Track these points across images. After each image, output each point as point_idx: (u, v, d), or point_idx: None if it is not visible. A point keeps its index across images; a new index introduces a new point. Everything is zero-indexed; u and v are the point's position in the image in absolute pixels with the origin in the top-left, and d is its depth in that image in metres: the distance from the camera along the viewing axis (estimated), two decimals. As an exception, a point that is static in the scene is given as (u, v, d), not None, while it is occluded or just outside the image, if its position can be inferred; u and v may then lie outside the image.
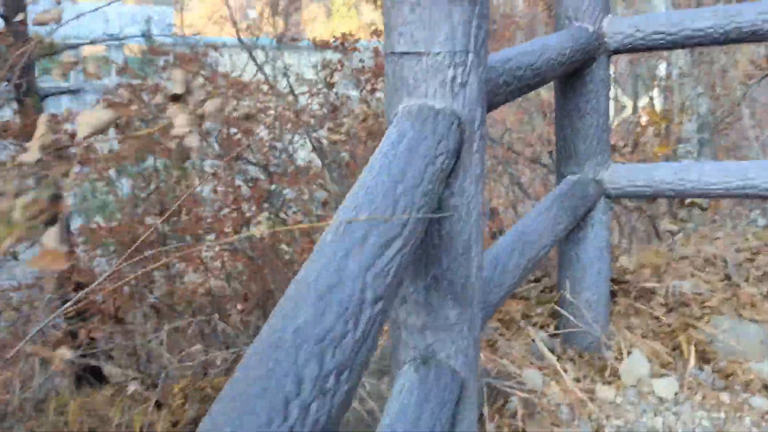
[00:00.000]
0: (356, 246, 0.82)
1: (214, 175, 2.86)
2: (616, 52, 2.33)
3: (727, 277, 2.92)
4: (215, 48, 4.72)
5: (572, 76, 2.29)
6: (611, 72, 6.89)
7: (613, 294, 2.85)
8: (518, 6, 8.14)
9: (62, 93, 5.61)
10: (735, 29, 2.12)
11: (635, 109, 4.70)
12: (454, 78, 1.18)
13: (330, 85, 3.76)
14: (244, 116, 2.60)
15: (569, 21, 2.31)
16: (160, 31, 7.60)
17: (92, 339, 5.08)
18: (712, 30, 2.15)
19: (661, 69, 5.45)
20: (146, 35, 6.94)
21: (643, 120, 3.19)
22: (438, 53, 1.17)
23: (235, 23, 4.83)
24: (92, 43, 5.23)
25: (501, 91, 1.51)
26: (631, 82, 5.06)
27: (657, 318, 2.68)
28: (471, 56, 1.19)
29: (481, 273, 1.30)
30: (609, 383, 2.35)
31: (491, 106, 1.50)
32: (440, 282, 1.24)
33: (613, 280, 2.90)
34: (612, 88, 5.79)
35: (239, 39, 4.80)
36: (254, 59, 4.77)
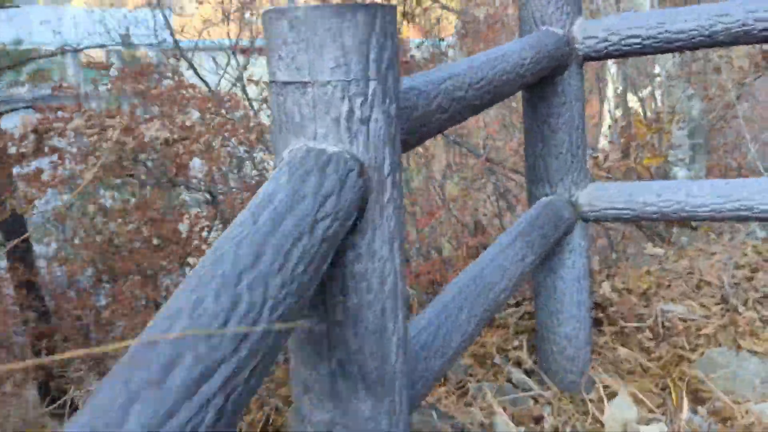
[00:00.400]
0: (149, 386, 0.56)
1: (138, 208, 2.58)
2: (589, 58, 2.07)
3: (724, 300, 2.66)
4: (177, 57, 4.45)
5: (541, 86, 2.04)
6: (612, 71, 6.58)
7: (597, 322, 2.59)
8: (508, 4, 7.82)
9: (25, 108, 5.35)
10: (723, 30, 1.85)
11: (626, 112, 4.41)
12: (350, 113, 0.93)
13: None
14: (163, 141, 2.30)
15: (536, 25, 2.05)
16: (156, 35, 7.31)
17: (63, 367, 4.84)
18: (695, 32, 1.88)
19: (657, 69, 5.18)
20: (124, 43, 6.68)
21: (628, 126, 2.94)
22: (327, 83, 0.91)
23: (169, 26, 4.49)
24: (52, 54, 4.97)
25: (435, 119, 1.25)
26: (619, 84, 4.79)
27: (646, 349, 2.42)
28: (373, 84, 0.93)
29: (402, 351, 1.04)
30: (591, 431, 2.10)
31: (422, 137, 1.24)
32: (347, 367, 0.98)
33: (597, 305, 2.65)
34: (611, 82, 5.51)
35: (175, 42, 4.45)
36: (193, 67, 4.39)
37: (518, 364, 2.42)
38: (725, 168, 3.77)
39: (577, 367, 2.27)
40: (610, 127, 6.05)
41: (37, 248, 4.56)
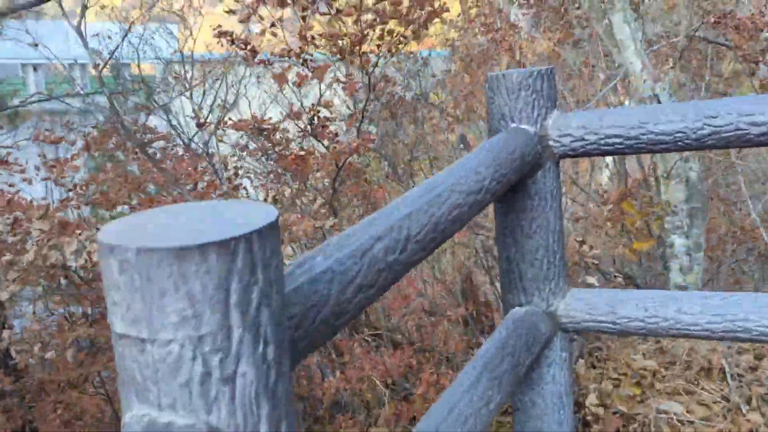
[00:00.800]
0: None
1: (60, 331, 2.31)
2: (565, 156, 1.86)
3: (726, 398, 2.42)
4: (148, 110, 4.23)
5: (511, 190, 1.82)
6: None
7: (586, 424, 2.36)
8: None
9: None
10: (712, 133, 1.64)
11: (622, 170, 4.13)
12: (206, 375, 0.71)
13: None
14: (80, 265, 1.93)
15: (504, 121, 1.84)
16: (167, 50, 7.06)
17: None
18: (682, 134, 1.67)
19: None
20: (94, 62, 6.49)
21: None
22: (170, 341, 0.70)
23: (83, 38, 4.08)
24: (27, 103, 4.79)
25: (357, 300, 1.04)
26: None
27: (638, 464, 2.18)
28: (237, 333, 0.72)
29: None
30: None
31: (336, 330, 1.03)
32: None
33: (584, 404, 2.42)
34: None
35: (96, 66, 4.05)
36: (115, 109, 3.91)
37: (497, 479, 2.19)
38: (727, 231, 3.53)
39: (560, 491, 2.03)
40: (608, 165, 5.81)
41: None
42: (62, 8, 3.99)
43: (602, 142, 1.77)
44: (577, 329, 1.94)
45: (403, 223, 1.19)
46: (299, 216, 2.29)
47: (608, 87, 3.41)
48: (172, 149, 4.15)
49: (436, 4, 3.01)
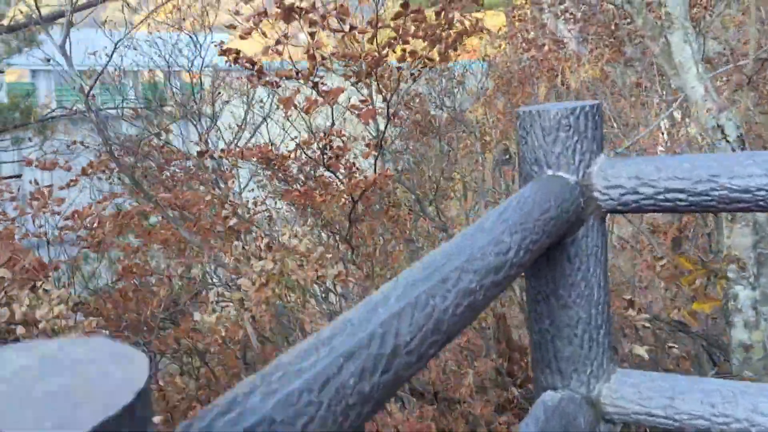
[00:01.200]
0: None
1: None
2: (614, 211, 1.52)
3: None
4: (166, 129, 4.03)
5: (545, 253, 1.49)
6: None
7: None
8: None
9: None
10: (806, 192, 1.28)
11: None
12: None
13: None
14: (23, 334, 1.66)
15: (539, 167, 1.52)
16: (220, 60, 6.94)
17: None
18: (765, 192, 1.32)
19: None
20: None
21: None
22: None
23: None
24: (58, 115, 4.65)
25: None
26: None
27: None
28: None
29: None
30: None
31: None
32: None
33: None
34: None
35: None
36: (104, 135, 3.52)
37: None
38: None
39: None
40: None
41: None
42: (45, 22, 3.82)
43: (660, 197, 1.42)
44: (625, 422, 1.59)
45: (390, 327, 0.87)
46: (299, 263, 2.02)
47: (665, 115, 3.04)
48: (191, 170, 3.92)
49: (467, 23, 2.71)
